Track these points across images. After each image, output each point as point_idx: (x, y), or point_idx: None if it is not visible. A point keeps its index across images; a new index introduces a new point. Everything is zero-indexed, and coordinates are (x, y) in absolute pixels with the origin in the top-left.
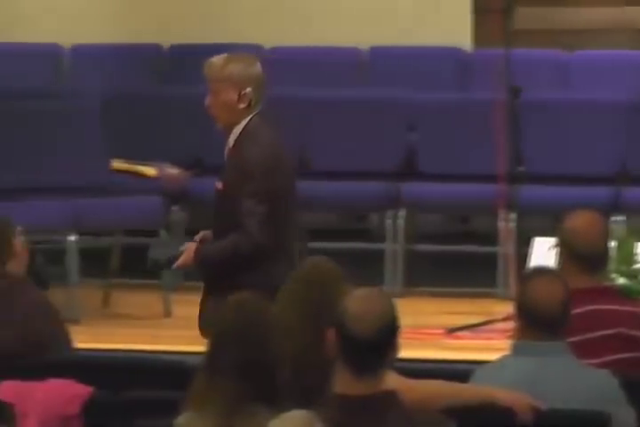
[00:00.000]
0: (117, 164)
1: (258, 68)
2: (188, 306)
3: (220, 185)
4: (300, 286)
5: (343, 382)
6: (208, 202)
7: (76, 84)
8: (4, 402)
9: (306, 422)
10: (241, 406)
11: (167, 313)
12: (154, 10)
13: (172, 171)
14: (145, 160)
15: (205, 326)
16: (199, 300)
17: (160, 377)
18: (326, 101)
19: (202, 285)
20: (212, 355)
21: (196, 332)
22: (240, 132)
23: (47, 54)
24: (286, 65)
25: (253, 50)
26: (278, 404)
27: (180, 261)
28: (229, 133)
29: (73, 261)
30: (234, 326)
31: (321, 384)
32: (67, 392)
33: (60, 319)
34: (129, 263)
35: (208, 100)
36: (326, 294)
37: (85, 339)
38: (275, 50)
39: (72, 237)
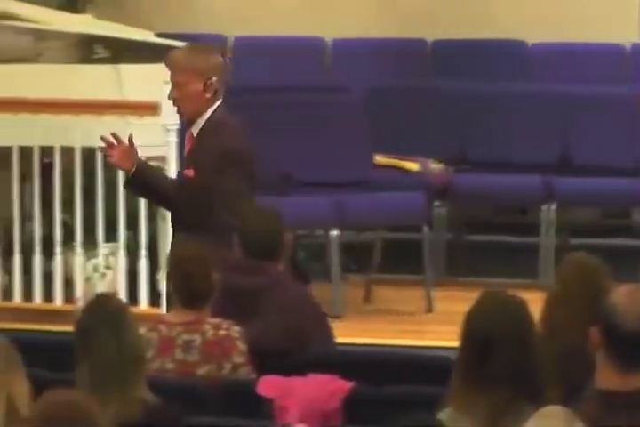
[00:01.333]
0: (380, 158)
1: (219, 57)
2: (451, 301)
3: (190, 173)
4: (567, 285)
5: (607, 379)
6: (470, 198)
7: (337, 79)
8: (264, 397)
9: (565, 418)
10: (508, 407)
11: (429, 308)
12: (417, 5)
13: (435, 166)
14: (407, 155)
15: None
16: (462, 296)
17: (422, 372)
18: (589, 98)
19: (466, 281)
20: (477, 355)
21: (458, 328)
22: (205, 122)
23: (310, 48)
24: (548, 61)
25: (516, 46)
26: (543, 403)
27: None
28: (192, 124)
29: (335, 257)
30: (503, 326)
31: (584, 382)
32: (328, 387)
33: (321, 314)
34: (391, 258)
35: (173, 93)
36: (593, 292)
37: (347, 334)
38: (536, 46)
39: (334, 233)
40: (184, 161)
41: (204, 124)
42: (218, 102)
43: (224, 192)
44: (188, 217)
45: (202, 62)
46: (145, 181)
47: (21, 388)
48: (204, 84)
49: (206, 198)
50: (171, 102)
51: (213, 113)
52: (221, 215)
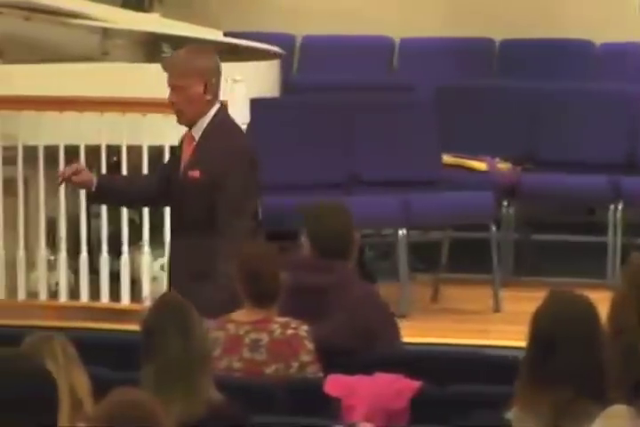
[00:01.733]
0: (447, 158)
1: (217, 58)
2: (518, 301)
3: (196, 174)
4: (633, 285)
5: None
6: (538, 197)
7: (405, 78)
8: (331, 396)
9: (631, 418)
10: (572, 406)
11: (497, 308)
12: (485, 4)
13: (503, 165)
14: (474, 154)
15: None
16: (529, 296)
17: (489, 372)
18: None
19: (533, 280)
20: (543, 354)
21: (526, 328)
22: (207, 124)
23: (378, 47)
24: (616, 61)
25: (584, 45)
26: (607, 403)
27: None
28: (191, 127)
29: (402, 256)
30: (570, 326)
31: None
32: (394, 386)
33: (389, 314)
34: (458, 258)
35: (172, 97)
36: None
37: (414, 333)
38: (604, 46)
39: (402, 232)
40: (185, 163)
41: (206, 126)
42: (218, 104)
43: (229, 192)
44: (193, 219)
45: (201, 64)
46: (108, 191)
47: (82, 383)
48: (205, 87)
49: (212, 199)
50: (238, 101)
51: (215, 116)
52: (225, 216)
